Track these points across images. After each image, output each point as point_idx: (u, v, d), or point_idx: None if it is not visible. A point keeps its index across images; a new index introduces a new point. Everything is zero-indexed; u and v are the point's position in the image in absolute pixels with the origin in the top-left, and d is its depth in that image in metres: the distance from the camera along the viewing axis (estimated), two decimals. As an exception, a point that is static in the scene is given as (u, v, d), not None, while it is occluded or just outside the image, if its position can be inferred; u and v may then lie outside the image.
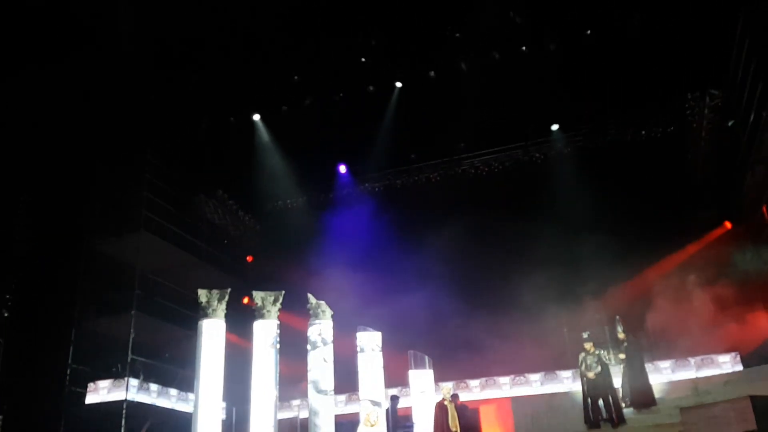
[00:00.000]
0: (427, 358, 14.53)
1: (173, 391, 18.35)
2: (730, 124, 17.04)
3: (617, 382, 13.30)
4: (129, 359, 16.35)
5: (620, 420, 12.41)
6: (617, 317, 14.61)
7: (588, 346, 13.01)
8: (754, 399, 10.16)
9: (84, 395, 16.85)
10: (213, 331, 11.94)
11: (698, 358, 16.85)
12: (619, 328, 14.19)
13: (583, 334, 13.31)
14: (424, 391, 14.18)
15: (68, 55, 15.99)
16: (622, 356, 14.08)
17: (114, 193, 17.61)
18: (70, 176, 17.50)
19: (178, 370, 18.89)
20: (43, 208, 17.23)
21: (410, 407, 14.53)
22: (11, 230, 16.84)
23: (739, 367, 16.27)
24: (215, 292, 12.17)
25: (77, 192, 17.68)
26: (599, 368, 12.76)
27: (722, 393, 12.81)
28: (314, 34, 17.18)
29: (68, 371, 16.43)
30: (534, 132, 19.88)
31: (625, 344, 13.83)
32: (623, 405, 12.92)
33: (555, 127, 19.70)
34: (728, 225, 18.80)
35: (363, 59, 18.11)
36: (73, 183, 17.64)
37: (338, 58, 17.98)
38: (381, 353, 12.92)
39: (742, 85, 15.10)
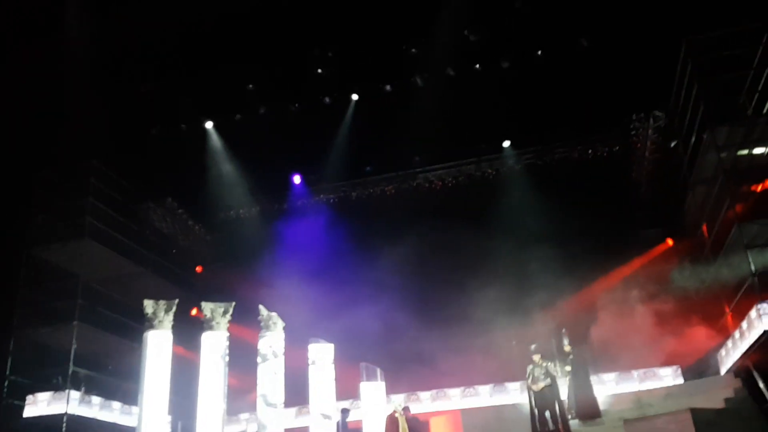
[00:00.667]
0: (378, 370, 14.50)
1: (116, 404, 17.79)
2: (672, 145, 17.71)
3: (563, 394, 13.53)
4: (70, 371, 15.85)
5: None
6: (563, 330, 14.88)
7: (536, 358, 13.19)
8: (694, 412, 10.52)
9: (22, 408, 16.22)
10: (159, 343, 11.63)
11: (641, 371, 17.33)
12: (565, 341, 14.46)
13: (531, 346, 13.49)
14: (376, 404, 14.14)
15: (14, 57, 15.49)
16: (568, 368, 14.34)
17: (58, 199, 17.08)
18: (11, 181, 16.89)
19: (121, 383, 18.35)
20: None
21: (360, 420, 14.46)
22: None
23: (680, 380, 16.80)
24: (162, 302, 11.87)
25: (19, 197, 17.07)
26: (547, 380, 12.94)
27: (664, 406, 13.20)
28: (270, 43, 17.11)
29: (6, 383, 15.83)
30: (486, 148, 20.23)
31: (571, 357, 14.10)
32: (569, 417, 13.14)
33: (507, 143, 20.12)
34: (670, 242, 19.48)
35: (320, 70, 18.12)
36: (15, 188, 17.02)
37: (295, 69, 17.94)
38: (333, 365, 12.83)
39: (685, 107, 15.72)
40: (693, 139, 15.62)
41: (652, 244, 19.54)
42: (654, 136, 18.27)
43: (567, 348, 14.14)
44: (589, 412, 13.48)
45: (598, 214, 18.63)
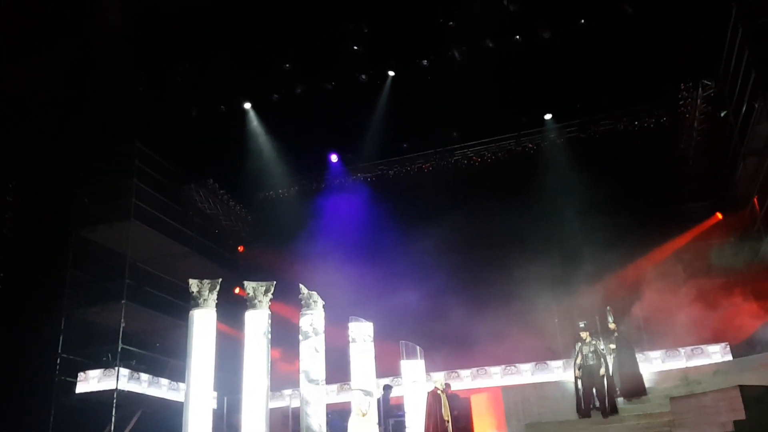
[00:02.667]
0: (418, 348, 14.52)
1: (164, 381, 18.31)
2: (722, 114, 17.05)
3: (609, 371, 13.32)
4: (119, 349, 16.29)
5: (612, 410, 12.46)
6: (608, 307, 14.62)
7: (584, 335, 13.04)
8: (743, 389, 10.18)
9: (74, 385, 16.79)
10: (204, 321, 11.87)
11: (688, 348, 16.97)
12: (610, 318, 14.21)
13: (580, 323, 13.33)
14: (415, 381, 14.20)
15: (57, 43, 15.78)
16: (613, 346, 14.11)
17: (103, 181, 17.47)
18: (59, 165, 17.34)
19: (168, 360, 18.84)
20: (32, 196, 17.06)
21: (401, 396, 14.56)
22: (0, 218, 16.66)
23: (729, 357, 16.39)
24: (206, 282, 12.09)
25: (66, 181, 17.53)
26: (595, 358, 12.81)
27: (712, 383, 12.86)
28: (306, 21, 17.00)
29: (58, 361, 16.36)
30: (527, 122, 19.79)
31: (616, 334, 13.87)
32: (615, 395, 12.97)
33: (548, 116, 19.61)
34: (719, 216, 18.87)
35: (355, 48, 17.94)
36: (62, 171, 17.47)
37: (331, 47, 17.80)
38: (372, 343, 12.89)
39: (735, 75, 15.09)
40: (744, 108, 15.01)
41: (700, 218, 18.95)
42: (703, 105, 17.57)
43: (612, 325, 13.88)
44: (634, 390, 13.26)
45: (644, 187, 18.15)
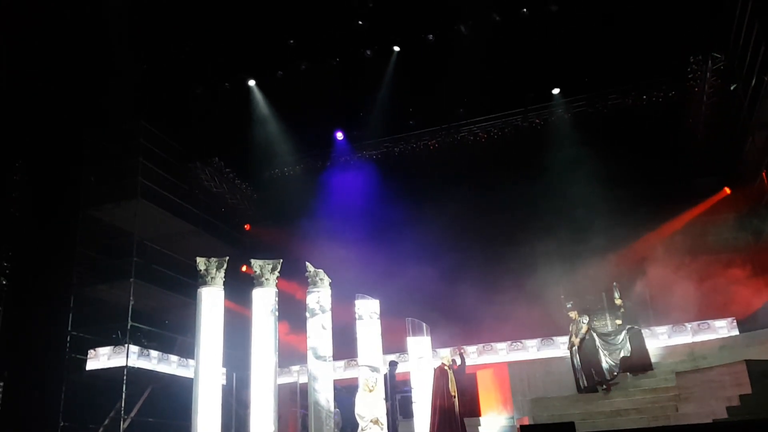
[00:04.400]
0: (424, 325, 14.62)
1: (173, 358, 18.52)
2: (732, 88, 16.80)
3: (612, 348, 13.38)
4: (129, 326, 16.43)
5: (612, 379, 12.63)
6: (614, 283, 14.67)
7: (572, 315, 13.22)
8: (749, 363, 10.24)
9: (84, 362, 17.01)
10: (212, 299, 12.00)
11: (695, 323, 16.99)
12: (616, 294, 14.27)
13: (567, 304, 13.52)
14: (422, 357, 14.31)
15: (60, 21, 15.68)
16: (619, 322, 14.20)
17: (110, 160, 17.49)
18: (65, 143, 17.34)
19: (177, 337, 19.03)
20: (39, 175, 17.11)
21: (408, 372, 14.68)
22: (7, 198, 16.73)
23: (735, 332, 16.40)
24: (214, 260, 12.20)
25: (73, 160, 17.53)
26: (585, 335, 12.98)
27: (718, 357, 12.93)
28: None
29: (68, 338, 16.53)
30: (534, 97, 19.57)
31: (622, 310, 13.92)
32: (616, 373, 13.06)
33: (556, 91, 19.39)
34: (727, 191, 18.74)
35: (360, 22, 17.72)
36: (68, 150, 17.48)
37: (334, 21, 17.60)
38: (379, 320, 12.98)
39: (745, 48, 14.85)
40: (753, 81, 14.78)
41: (708, 192, 18.81)
42: (712, 79, 17.30)
43: (618, 301, 13.95)
44: (641, 365, 13.35)
45: (652, 162, 17.97)
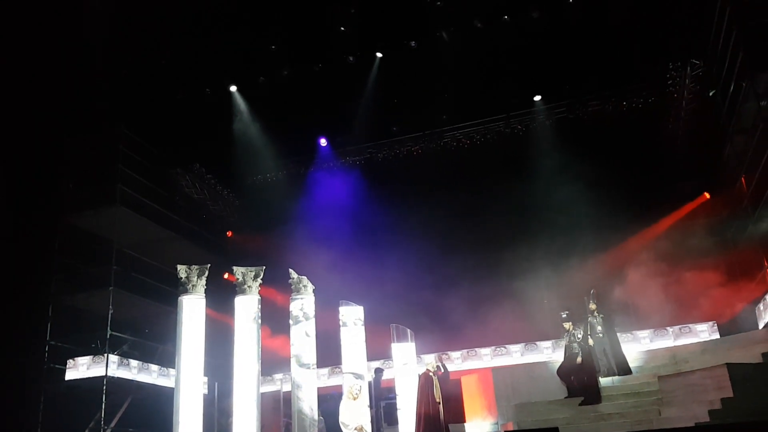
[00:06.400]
0: (409, 331, 14.56)
1: (154, 367, 18.27)
2: (711, 94, 17.03)
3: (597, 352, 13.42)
4: (108, 335, 16.18)
5: (595, 398, 12.62)
6: (592, 290, 14.66)
7: (567, 325, 13.22)
8: (730, 367, 10.29)
9: (63, 372, 16.74)
10: (193, 307, 11.82)
11: (676, 327, 17.12)
12: (593, 301, 14.26)
13: (562, 314, 13.50)
14: (406, 363, 14.25)
15: (39, 25, 15.48)
16: (599, 327, 14.19)
17: (88, 166, 17.24)
18: (43, 149, 17.09)
19: (158, 346, 18.78)
20: (16, 181, 16.83)
21: (392, 379, 14.60)
22: (-17, 206, 16.45)
23: (716, 336, 16.54)
24: (195, 267, 12.02)
25: (52, 165, 17.28)
26: (575, 345, 13.03)
27: (700, 361, 12.99)
28: (293, 1, 16.75)
29: (47, 348, 16.25)
30: (517, 103, 19.70)
31: (601, 315, 13.95)
32: (599, 375, 13.10)
33: (537, 97, 19.54)
34: (707, 196, 18.96)
35: (342, 29, 17.71)
36: (47, 156, 17.24)
37: (317, 28, 17.57)
38: (363, 327, 12.90)
39: (723, 54, 15.06)
40: (732, 87, 15.00)
41: (688, 197, 19.03)
42: (691, 85, 17.55)
43: (593, 306, 13.96)
44: (620, 370, 13.40)
45: (633, 168, 18.17)
